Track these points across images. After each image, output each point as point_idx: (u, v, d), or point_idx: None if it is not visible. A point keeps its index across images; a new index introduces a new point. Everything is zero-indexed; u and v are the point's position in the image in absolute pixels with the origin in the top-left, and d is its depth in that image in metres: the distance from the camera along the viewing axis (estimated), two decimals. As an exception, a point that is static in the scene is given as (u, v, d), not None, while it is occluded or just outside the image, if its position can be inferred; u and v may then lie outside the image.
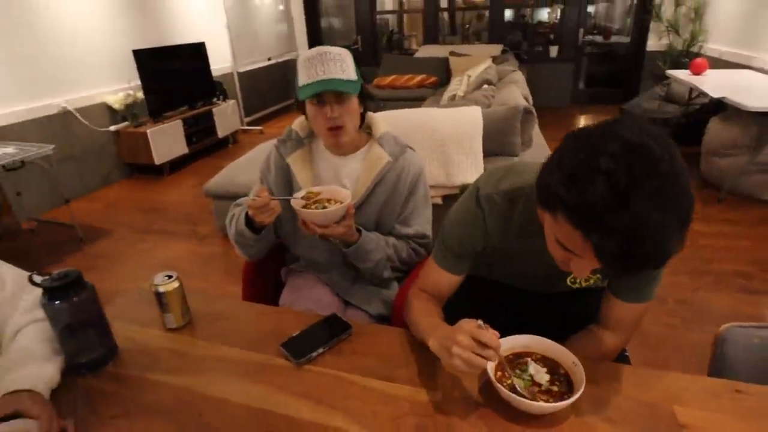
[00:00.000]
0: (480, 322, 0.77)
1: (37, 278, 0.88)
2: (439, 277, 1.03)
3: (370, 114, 1.35)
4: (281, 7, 6.57)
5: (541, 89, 6.25)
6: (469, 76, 4.71)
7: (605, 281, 0.96)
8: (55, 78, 3.78)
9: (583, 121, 5.83)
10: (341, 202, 1.12)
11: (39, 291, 0.88)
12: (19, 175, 3.22)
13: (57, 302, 0.86)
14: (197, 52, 4.96)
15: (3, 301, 0.93)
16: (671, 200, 0.62)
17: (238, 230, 1.24)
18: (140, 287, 1.17)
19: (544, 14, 7.75)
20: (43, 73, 3.69)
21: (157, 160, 4.31)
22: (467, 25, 9.12)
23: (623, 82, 6.37)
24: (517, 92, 3.26)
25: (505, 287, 1.12)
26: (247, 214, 1.20)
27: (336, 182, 1.30)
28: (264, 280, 1.46)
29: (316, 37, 7.26)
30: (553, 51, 6.40)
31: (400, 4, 9.67)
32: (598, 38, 6.89)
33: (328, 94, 1.15)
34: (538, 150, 2.76)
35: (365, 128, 1.35)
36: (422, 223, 1.33)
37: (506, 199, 0.92)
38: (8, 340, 0.91)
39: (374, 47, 7.14)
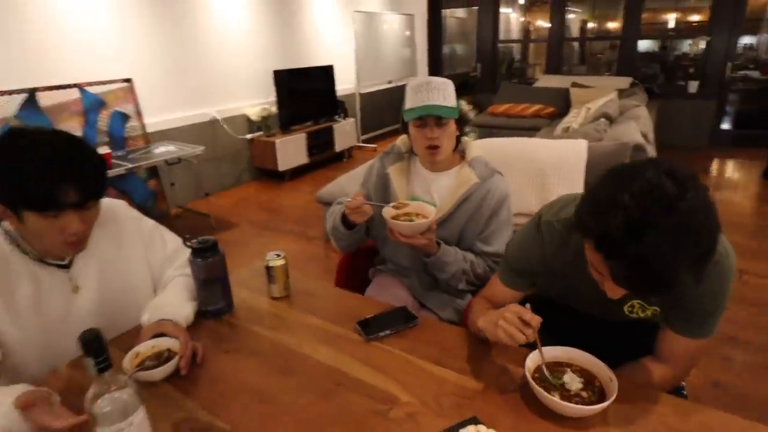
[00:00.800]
0: (528, 305, 0.89)
1: (187, 242, 1.18)
2: (499, 290, 1.15)
3: (465, 139, 1.50)
4: (407, 33, 6.95)
5: (674, 127, 5.77)
6: (588, 109, 4.58)
7: (662, 313, 0.98)
8: (209, 91, 4.50)
9: (718, 165, 5.26)
10: (426, 218, 1.28)
11: (188, 252, 1.17)
12: (174, 169, 3.88)
13: (199, 260, 1.14)
14: (326, 73, 5.51)
15: (165, 257, 1.26)
16: (683, 237, 0.69)
17: (335, 224, 1.46)
18: (256, 265, 1.44)
19: (686, 46, 7.21)
20: (201, 86, 4.42)
21: (281, 167, 4.86)
22: (599, 55, 8.77)
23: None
24: (633, 129, 3.15)
25: (568, 310, 1.18)
26: (343, 212, 1.41)
27: (427, 195, 1.47)
28: (354, 275, 1.67)
29: (436, 63, 7.55)
30: (693, 86, 5.81)
31: (526, 33, 9.65)
32: (754, 73, 6.15)
33: (430, 117, 1.33)
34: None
35: (460, 150, 1.50)
36: (501, 243, 1.42)
37: (565, 227, 1.00)
38: (163, 285, 1.23)
39: (493, 75, 7.22)
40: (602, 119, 3.39)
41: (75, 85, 3.24)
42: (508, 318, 0.89)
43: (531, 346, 0.92)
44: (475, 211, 1.40)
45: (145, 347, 1.02)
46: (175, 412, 0.89)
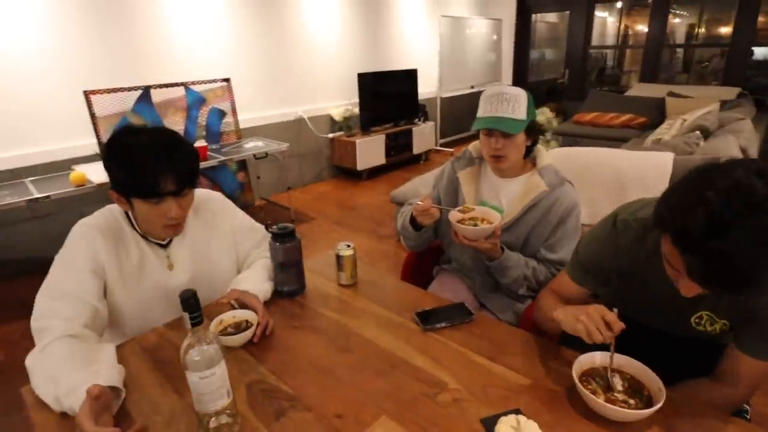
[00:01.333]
0: (615, 310, 0.91)
1: (269, 228, 1.32)
2: (566, 284, 1.17)
3: (539, 147, 1.50)
4: (494, 37, 6.87)
5: (787, 143, 5.23)
6: (684, 120, 4.28)
7: (730, 332, 0.95)
8: (297, 91, 4.79)
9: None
10: (491, 223, 1.31)
11: (269, 237, 1.31)
12: (260, 163, 4.18)
13: (277, 244, 1.27)
14: (409, 76, 5.62)
15: (251, 245, 1.42)
16: (765, 241, 0.68)
17: (404, 225, 1.54)
18: (328, 254, 1.56)
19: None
20: (291, 86, 4.72)
21: (359, 166, 5.04)
22: (706, 63, 8.07)
23: None
24: (731, 142, 2.92)
25: (632, 323, 1.16)
26: (412, 213, 1.48)
27: (495, 200, 1.49)
28: (419, 272, 1.73)
29: (522, 69, 7.39)
30: (813, 99, 5.27)
31: (624, 38, 9.12)
32: None
33: (496, 129, 1.35)
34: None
35: (532, 158, 1.51)
36: (567, 252, 1.41)
37: (641, 226, 1.00)
38: (248, 264, 1.40)
39: (581, 81, 6.95)
40: (696, 132, 3.16)
41: (182, 84, 3.62)
42: (591, 314, 0.91)
43: (600, 348, 0.94)
44: (542, 218, 1.41)
45: (228, 316, 1.16)
46: (249, 374, 1.02)
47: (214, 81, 3.82)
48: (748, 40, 5.51)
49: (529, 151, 1.46)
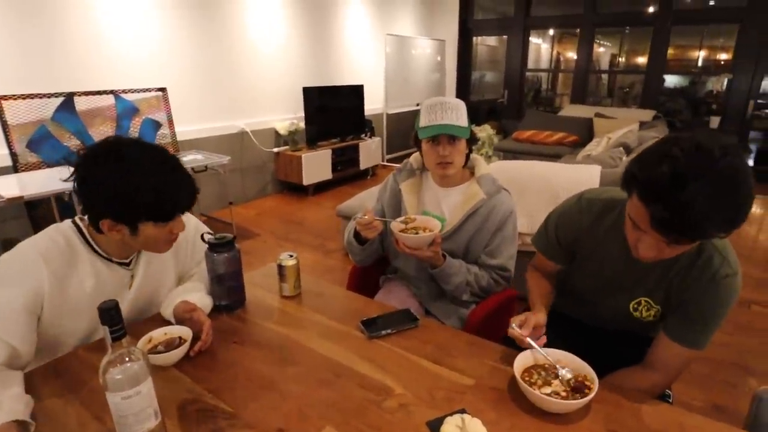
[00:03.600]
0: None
1: (206, 236, 1.26)
2: (541, 259, 1.29)
3: (474, 156, 1.55)
4: (438, 59, 7.11)
5: (696, 160, 5.77)
6: (609, 138, 4.61)
7: (661, 321, 1.05)
8: (240, 103, 4.67)
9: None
10: (432, 231, 1.33)
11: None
12: (200, 177, 4.01)
13: (215, 255, 1.21)
14: (356, 92, 5.66)
15: (200, 257, 1.31)
16: (723, 191, 0.77)
17: (348, 240, 1.54)
18: (269, 265, 1.50)
19: (713, 83, 7.20)
20: (232, 98, 4.59)
21: (305, 181, 4.98)
22: (626, 89, 8.78)
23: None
24: (653, 158, 3.15)
25: (572, 321, 1.25)
26: (355, 228, 1.47)
27: (437, 209, 1.52)
28: (365, 282, 1.72)
29: (464, 88, 7.67)
30: (714, 122, 5.86)
31: (557, 63, 9.71)
32: (780, 114, 6.17)
33: (443, 135, 1.39)
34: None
35: (470, 167, 1.55)
36: (506, 257, 1.47)
37: (604, 206, 1.10)
38: (188, 277, 1.32)
39: (519, 102, 7.30)
40: (620, 147, 3.40)
41: (111, 92, 3.43)
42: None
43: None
44: (482, 225, 1.45)
45: (159, 333, 1.08)
46: (182, 394, 0.95)
47: (148, 90, 3.65)
48: (661, 69, 6.09)
49: (466, 161, 1.50)
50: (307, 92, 4.99)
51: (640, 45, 8.14)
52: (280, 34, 4.93)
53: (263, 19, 4.72)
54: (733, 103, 5.69)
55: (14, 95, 2.92)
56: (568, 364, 0.96)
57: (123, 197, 0.97)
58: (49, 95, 3.10)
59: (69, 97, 3.20)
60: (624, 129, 4.63)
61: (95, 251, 1.10)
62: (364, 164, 5.74)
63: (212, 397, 0.94)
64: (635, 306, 1.08)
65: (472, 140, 1.48)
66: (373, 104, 6.13)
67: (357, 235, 1.49)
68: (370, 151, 5.83)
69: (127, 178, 0.96)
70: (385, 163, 6.49)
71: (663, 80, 6.36)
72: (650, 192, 0.82)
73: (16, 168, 3.02)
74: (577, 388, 0.89)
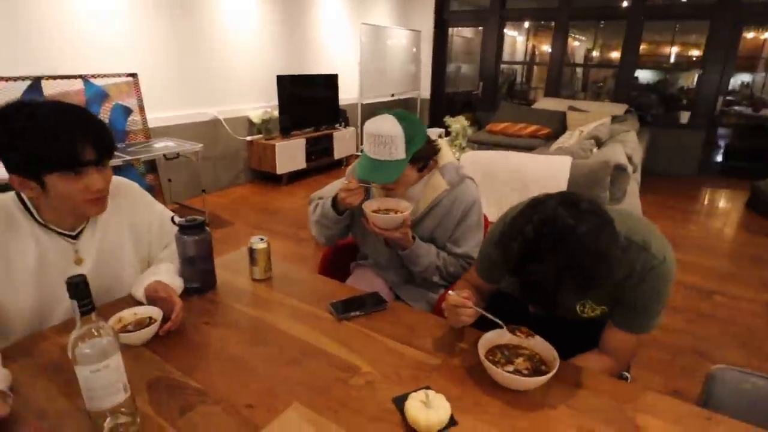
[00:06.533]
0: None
1: (176, 219, 1.25)
2: (475, 279, 1.29)
3: (439, 142, 1.54)
4: (414, 50, 7.10)
5: (664, 155, 5.93)
6: (581, 131, 4.71)
7: (608, 316, 1.10)
8: (213, 91, 4.60)
9: (704, 193, 5.38)
10: (402, 212, 1.35)
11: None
12: (172, 164, 3.96)
13: (185, 237, 1.21)
14: (330, 82, 5.63)
15: (168, 241, 1.32)
16: (570, 263, 0.82)
17: (323, 212, 1.50)
18: (240, 249, 1.51)
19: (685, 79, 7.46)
20: (205, 86, 4.52)
21: (279, 170, 4.95)
22: (600, 83, 8.97)
23: (769, 157, 5.74)
24: (618, 150, 3.25)
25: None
26: (334, 199, 1.46)
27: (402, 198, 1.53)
28: (336, 268, 1.74)
29: (439, 80, 7.69)
30: (684, 117, 6.02)
31: (532, 56, 9.84)
32: (747, 110, 6.42)
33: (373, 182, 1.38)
34: (626, 208, 2.75)
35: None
36: (471, 246, 1.49)
37: None
38: (159, 259, 1.31)
39: (494, 94, 7.37)
40: (591, 140, 3.49)
41: (80, 76, 3.33)
42: (446, 308, 1.07)
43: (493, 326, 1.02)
44: (445, 215, 1.47)
45: (128, 314, 1.08)
46: (152, 372, 0.96)
47: (118, 75, 3.56)
48: (633, 64, 6.20)
49: (425, 165, 1.44)
50: (281, 80, 4.94)
51: (614, 40, 8.33)
52: (254, 20, 4.85)
53: (237, 5, 4.64)
54: (702, 98, 5.83)
55: (-24, 77, 2.81)
56: (531, 344, 1.00)
57: (20, 145, 0.95)
58: (15, 78, 2.99)
59: (36, 81, 3.09)
60: (596, 122, 4.75)
61: (35, 219, 1.08)
62: (338, 154, 5.73)
63: (182, 375, 0.95)
64: (581, 308, 1.13)
65: (425, 156, 1.40)
66: (348, 94, 6.10)
67: (335, 205, 1.48)
68: (345, 141, 5.81)
69: (23, 125, 0.95)
70: (359, 153, 6.46)
71: (635, 75, 6.49)
72: (509, 269, 0.90)
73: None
74: (537, 364, 0.94)
